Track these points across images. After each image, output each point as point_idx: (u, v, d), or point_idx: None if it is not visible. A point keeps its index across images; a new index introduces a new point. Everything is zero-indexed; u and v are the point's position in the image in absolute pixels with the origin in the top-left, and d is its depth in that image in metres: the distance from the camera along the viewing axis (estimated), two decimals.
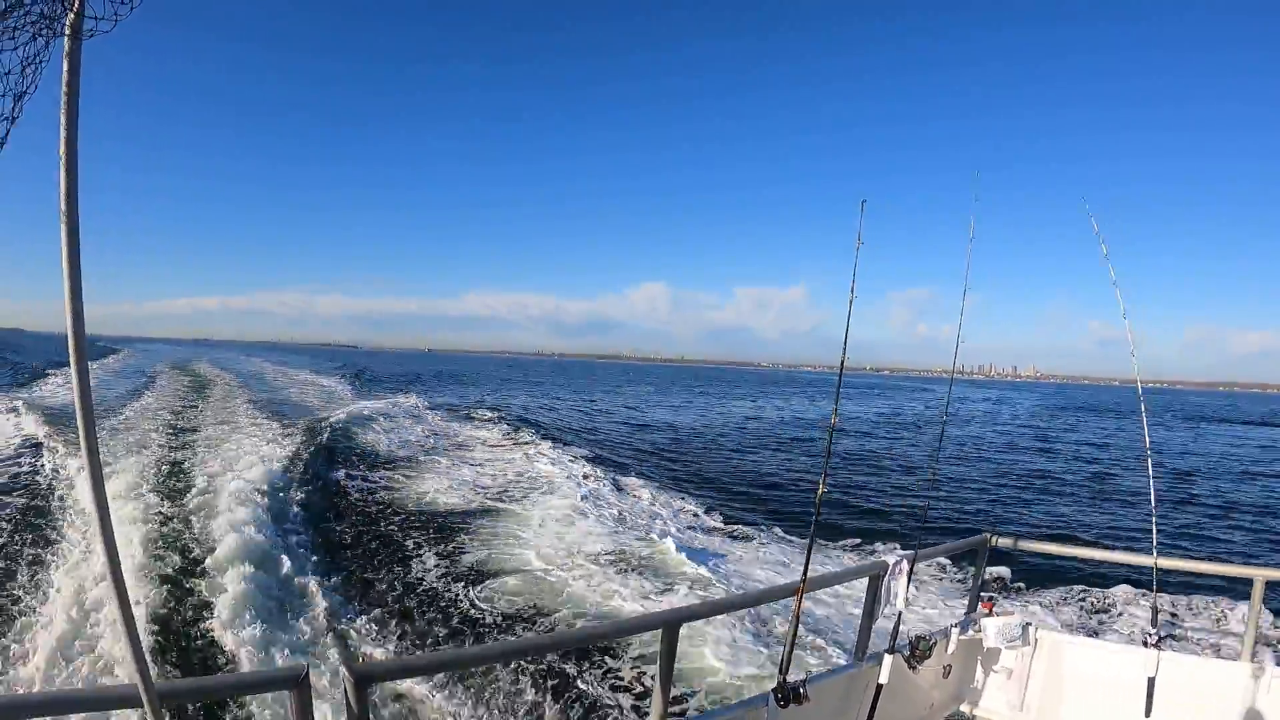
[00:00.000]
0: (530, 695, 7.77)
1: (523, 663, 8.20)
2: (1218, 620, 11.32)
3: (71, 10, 1.74)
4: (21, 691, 7.19)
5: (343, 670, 2.67)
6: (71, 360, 1.83)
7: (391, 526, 14.03)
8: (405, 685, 7.59)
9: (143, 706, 2.09)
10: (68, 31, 1.74)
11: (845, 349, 4.33)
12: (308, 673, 2.58)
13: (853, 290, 4.34)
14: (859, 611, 5.01)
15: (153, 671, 2.20)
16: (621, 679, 8.16)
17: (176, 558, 10.76)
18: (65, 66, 1.74)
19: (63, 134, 1.74)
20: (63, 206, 1.76)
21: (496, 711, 7.51)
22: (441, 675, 7.82)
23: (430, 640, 9.31)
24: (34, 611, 9.03)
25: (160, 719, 2.12)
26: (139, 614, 8.47)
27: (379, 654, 8.86)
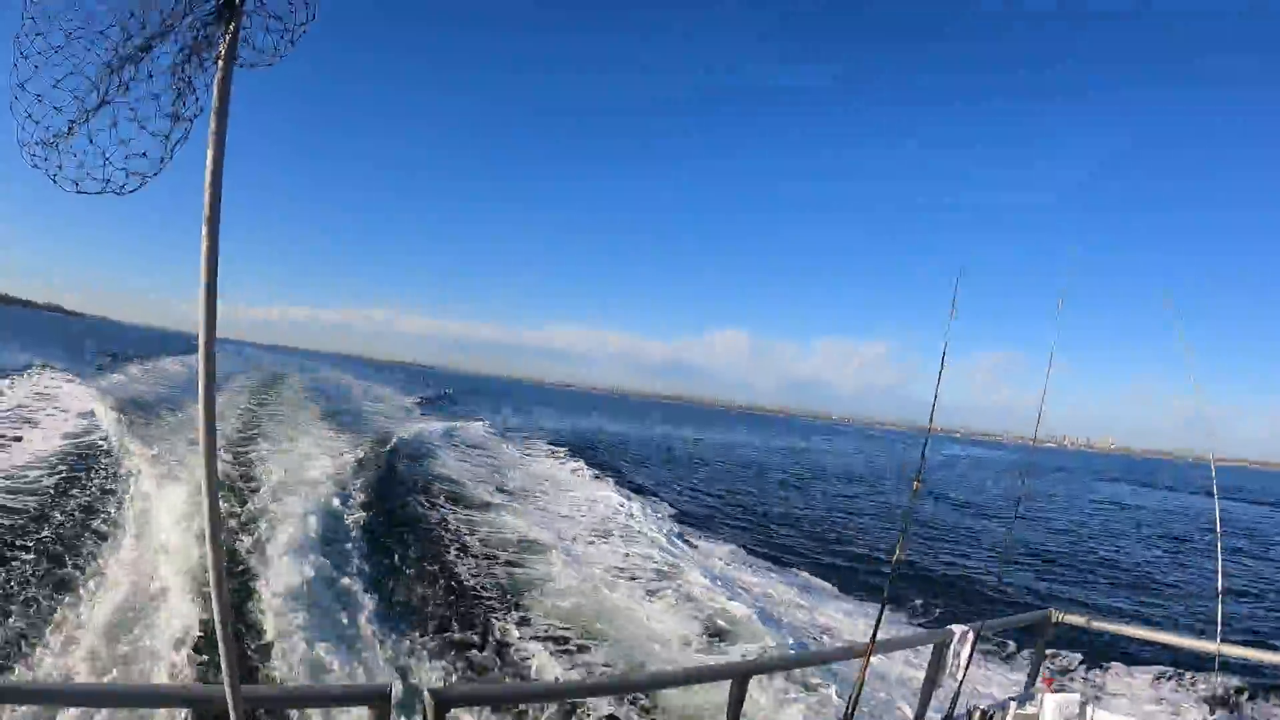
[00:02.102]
0: None
1: (589, 702, 8.17)
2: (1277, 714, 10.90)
3: (224, 41, 1.83)
4: (99, 680, 7.37)
5: (425, 693, 2.71)
6: (200, 368, 1.92)
7: (455, 551, 14.11)
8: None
9: (229, 709, 2.17)
10: (220, 61, 1.83)
11: (933, 413, 4.33)
12: (390, 690, 2.63)
13: (943, 360, 4.33)
14: (920, 677, 4.97)
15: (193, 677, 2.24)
16: None
17: (236, 565, 10.75)
18: (216, 94, 1.83)
19: (210, 153, 1.83)
20: (205, 222, 1.84)
21: None
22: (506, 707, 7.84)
23: (488, 671, 9.30)
24: (86, 604, 9.05)
25: None
26: (196, 615, 8.54)
27: (433, 677, 8.84)
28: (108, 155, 1.80)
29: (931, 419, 4.36)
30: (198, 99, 1.86)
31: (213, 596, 2.06)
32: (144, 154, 1.81)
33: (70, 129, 1.81)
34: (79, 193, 1.78)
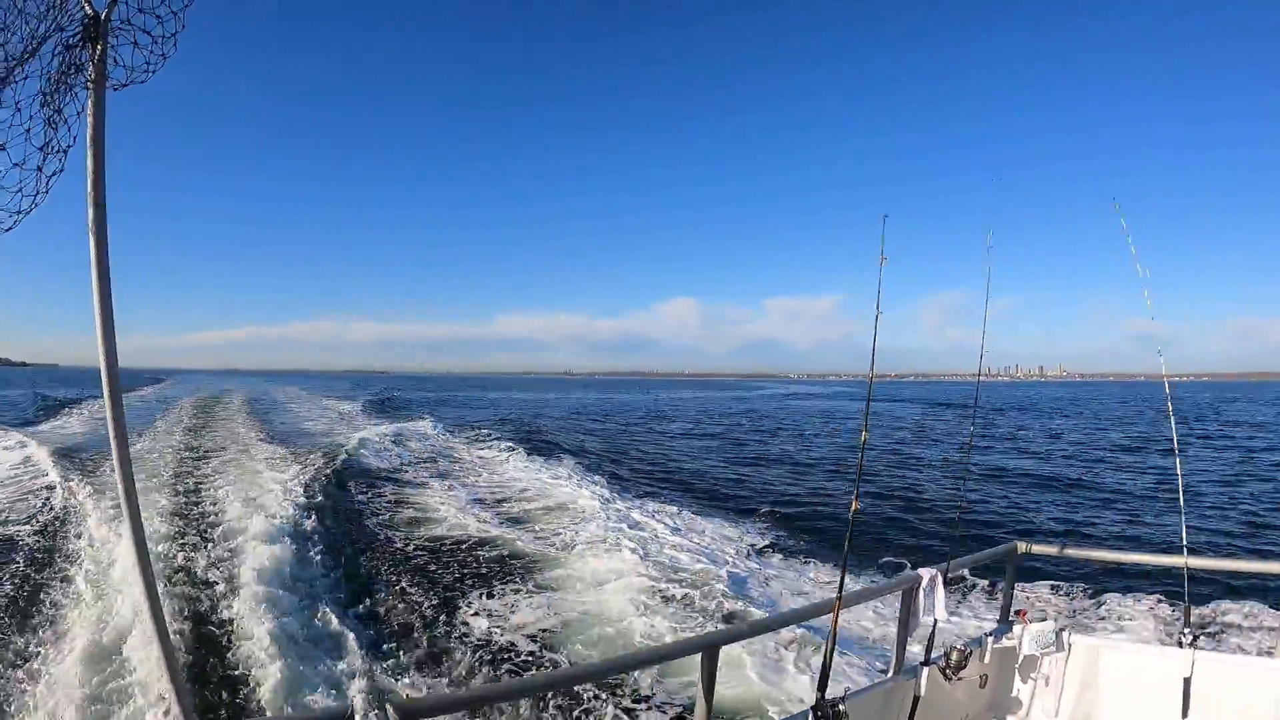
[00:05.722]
0: None
1: (558, 693, 8.11)
2: (1251, 617, 11.17)
3: (91, 64, 1.70)
4: None
5: (388, 708, 2.63)
6: (105, 390, 1.84)
7: (413, 556, 13.91)
8: None
9: None
10: (90, 85, 1.72)
11: (873, 365, 4.37)
12: (352, 712, 2.56)
13: (878, 306, 4.37)
14: (893, 626, 5.03)
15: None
16: (659, 705, 8.10)
17: (194, 593, 10.58)
18: (91, 118, 1.72)
19: (90, 179, 1.70)
20: (92, 246, 1.74)
21: None
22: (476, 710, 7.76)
23: (460, 673, 9.19)
24: (47, 654, 8.82)
25: None
26: (157, 655, 8.30)
27: (400, 689, 8.72)
28: None
29: (872, 367, 4.39)
30: (70, 129, 1.74)
31: (150, 625, 2.00)
32: (19, 189, 1.69)
33: None
34: None
